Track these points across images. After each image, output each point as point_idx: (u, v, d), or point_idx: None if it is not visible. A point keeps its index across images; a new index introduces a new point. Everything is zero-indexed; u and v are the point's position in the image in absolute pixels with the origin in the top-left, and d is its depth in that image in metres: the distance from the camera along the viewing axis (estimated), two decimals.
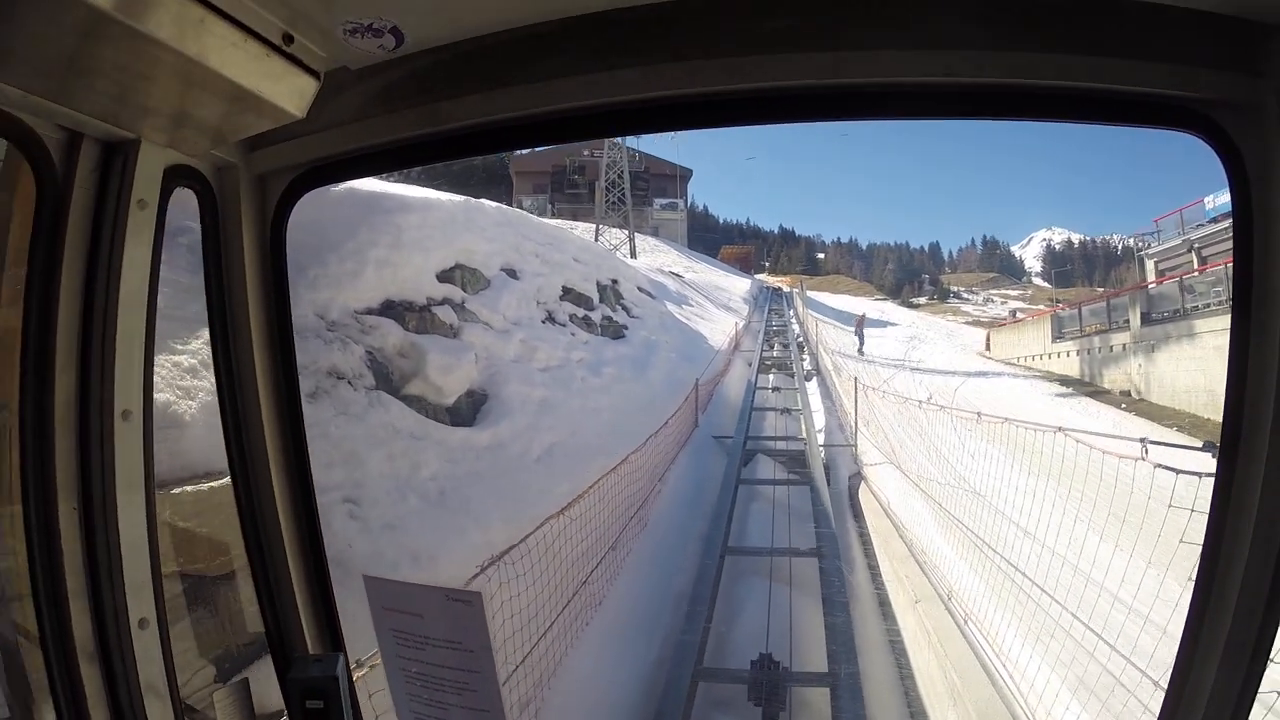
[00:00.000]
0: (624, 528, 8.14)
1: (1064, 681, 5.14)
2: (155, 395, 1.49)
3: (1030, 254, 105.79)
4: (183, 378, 5.40)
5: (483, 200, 12.97)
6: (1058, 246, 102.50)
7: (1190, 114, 1.21)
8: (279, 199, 1.61)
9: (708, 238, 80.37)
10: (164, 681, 1.44)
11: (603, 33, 1.31)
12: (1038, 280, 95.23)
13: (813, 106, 1.36)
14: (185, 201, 1.50)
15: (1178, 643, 1.32)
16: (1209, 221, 25.25)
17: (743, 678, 5.98)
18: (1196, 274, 21.68)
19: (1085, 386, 22.81)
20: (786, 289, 50.08)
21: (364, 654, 2.85)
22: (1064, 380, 24.07)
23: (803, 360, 23.13)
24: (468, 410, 8.80)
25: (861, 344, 30.40)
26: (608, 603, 7.05)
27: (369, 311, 8.30)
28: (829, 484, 10.91)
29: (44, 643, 1.34)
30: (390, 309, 8.60)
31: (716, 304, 32.73)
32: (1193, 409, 17.08)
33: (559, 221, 36.02)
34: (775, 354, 24.76)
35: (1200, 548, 1.29)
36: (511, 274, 11.89)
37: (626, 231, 48.00)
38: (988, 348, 34.30)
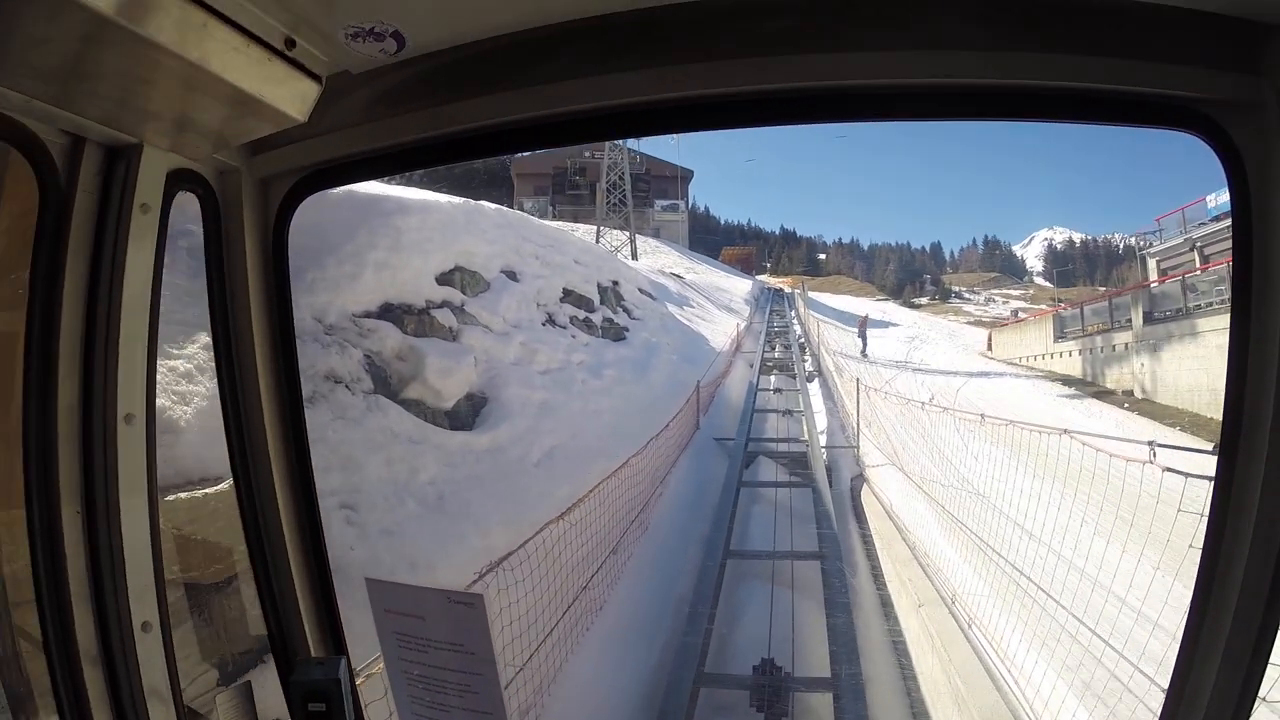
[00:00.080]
0: (625, 531, 8.08)
1: (1070, 687, 5.09)
2: None
3: (1032, 253, 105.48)
4: (178, 383, 5.35)
5: (482, 202, 12.92)
6: (1059, 246, 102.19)
7: (1190, 114, 1.21)
8: (281, 203, 1.63)
9: (709, 239, 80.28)
10: (167, 685, 1.44)
11: (603, 36, 1.31)
12: (1039, 280, 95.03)
13: (813, 108, 1.36)
14: (184, 205, 1.50)
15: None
16: (1211, 220, 25.17)
17: (745, 683, 5.96)
18: (1199, 272, 21.62)
19: (1088, 386, 22.77)
20: (788, 290, 49.99)
21: (359, 663, 2.81)
22: (1066, 380, 24.04)
23: (804, 361, 23.11)
24: (467, 414, 8.75)
25: (865, 346, 30.10)
26: (609, 607, 7.00)
27: (367, 315, 8.25)
28: (831, 486, 10.87)
29: (47, 646, 1.34)
30: (389, 312, 8.55)
31: (718, 305, 32.65)
32: (1195, 408, 17.03)
33: (560, 223, 35.99)
34: (777, 355, 24.74)
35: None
36: (511, 276, 11.83)
37: (628, 233, 47.94)
38: (989, 348, 34.25)
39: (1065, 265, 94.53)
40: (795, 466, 12.16)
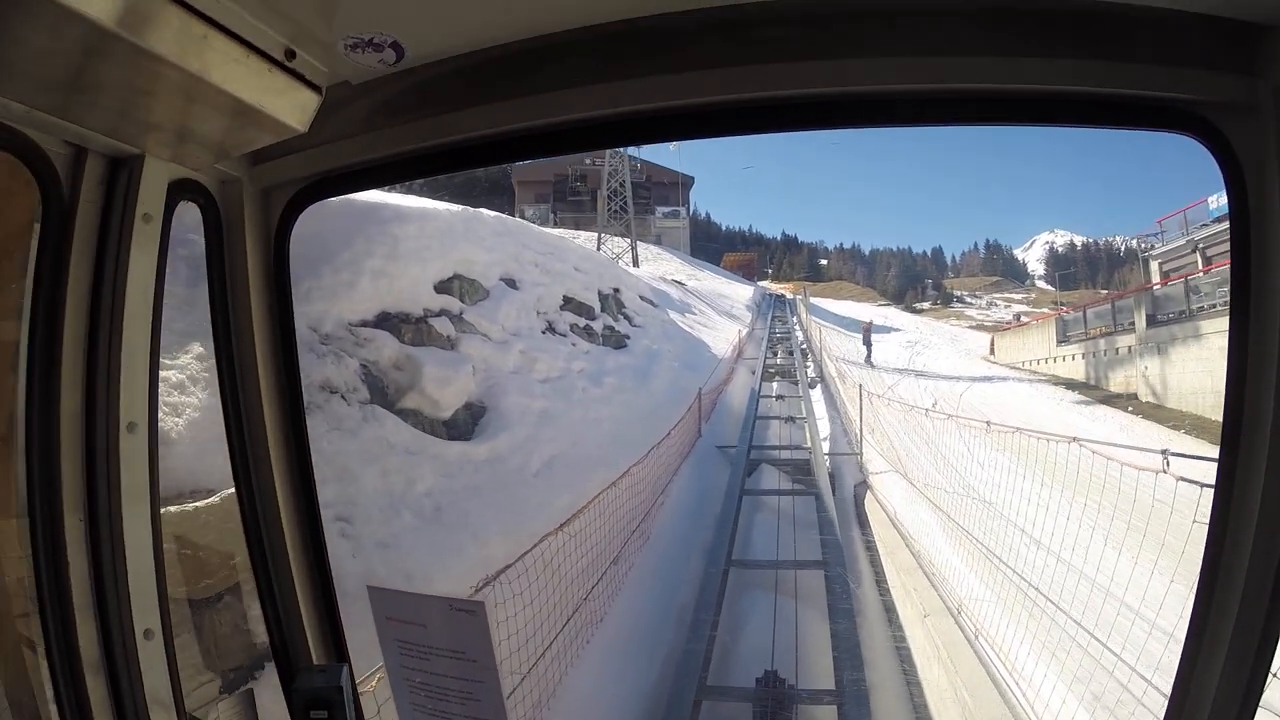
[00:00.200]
0: (626, 541, 8.00)
1: (1081, 700, 4.98)
2: None
3: (1033, 257, 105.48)
4: (170, 394, 5.29)
5: (481, 210, 12.89)
6: (1060, 249, 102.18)
7: (1186, 116, 1.22)
8: (282, 212, 1.64)
9: (710, 246, 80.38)
10: (169, 692, 1.45)
11: (601, 45, 1.32)
12: (1041, 283, 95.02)
13: (813, 114, 1.36)
14: (181, 214, 1.50)
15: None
16: (1213, 221, 25.05)
17: (748, 695, 5.87)
18: (1201, 274, 21.56)
19: (1091, 390, 22.67)
20: (789, 296, 49.97)
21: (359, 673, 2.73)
22: (1069, 384, 23.97)
23: (806, 367, 23.04)
24: (465, 423, 8.67)
25: (870, 353, 29.42)
26: (609, 619, 6.92)
27: (364, 324, 8.18)
28: (834, 493, 10.77)
29: (49, 654, 1.35)
30: (386, 321, 8.49)
31: (719, 312, 32.58)
32: (1199, 411, 16.93)
33: (561, 231, 36.01)
34: (779, 361, 24.67)
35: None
36: (511, 284, 11.78)
37: (629, 240, 47.94)
38: (992, 352, 34.15)
39: (1067, 268, 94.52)
40: (798, 474, 12.10)
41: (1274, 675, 1.29)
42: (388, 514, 6.43)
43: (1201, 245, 25.35)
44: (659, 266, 42.91)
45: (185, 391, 5.47)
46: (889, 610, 7.52)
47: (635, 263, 41.88)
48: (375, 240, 8.93)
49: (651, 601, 7.47)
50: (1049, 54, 1.20)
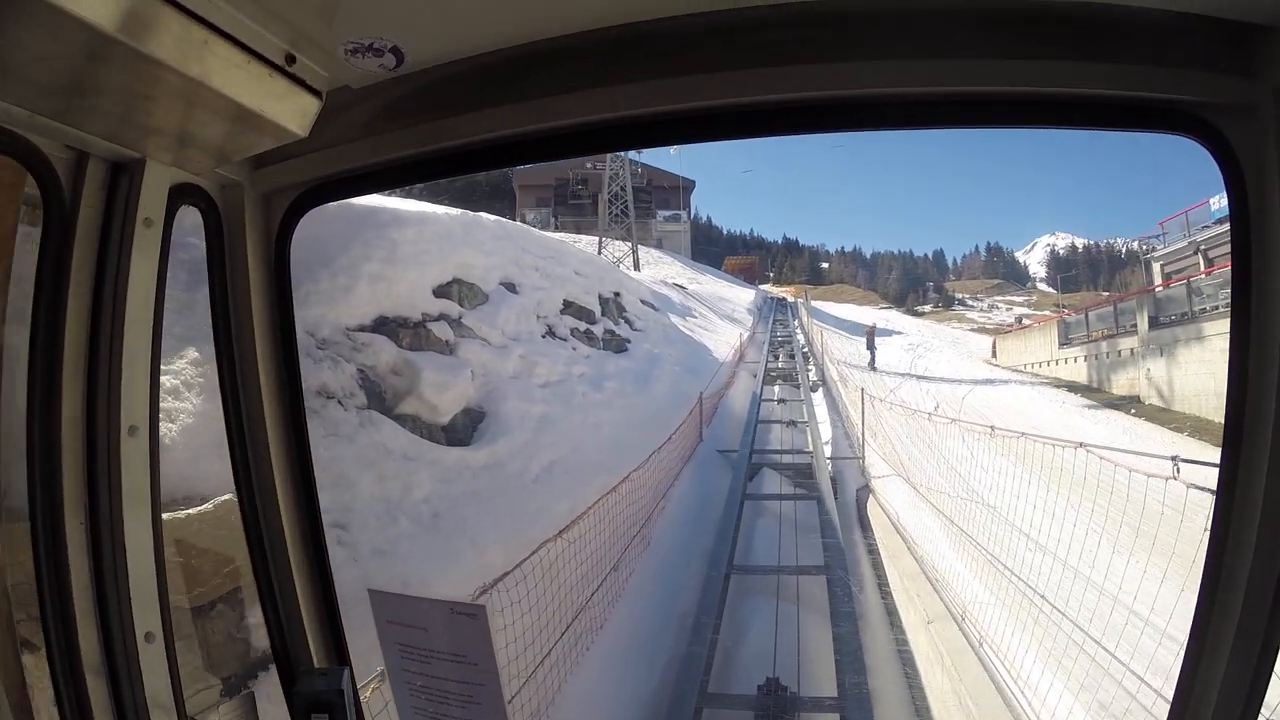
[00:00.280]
0: (626, 547, 7.93)
1: (1088, 710, 4.91)
2: None
3: (1034, 259, 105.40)
4: (164, 399, 5.23)
5: (481, 213, 12.83)
6: (1061, 251, 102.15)
7: (1186, 117, 1.21)
8: (283, 216, 1.65)
9: (711, 249, 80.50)
10: (170, 695, 1.45)
11: (601, 49, 1.32)
12: (1042, 286, 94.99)
13: (813, 118, 1.37)
14: (178, 218, 1.50)
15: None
16: (1214, 223, 25.02)
17: (749, 704, 5.82)
18: (1203, 276, 21.51)
19: (1093, 392, 22.67)
20: (791, 299, 49.96)
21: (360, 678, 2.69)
22: (1071, 386, 23.96)
23: (808, 371, 22.99)
24: (464, 429, 8.60)
25: (874, 358, 28.89)
26: (609, 626, 6.85)
27: (361, 328, 8.12)
28: (836, 498, 10.71)
29: (51, 657, 1.35)
30: (384, 325, 8.42)
31: (721, 315, 32.55)
32: (1203, 413, 16.90)
33: (562, 234, 36.03)
34: (780, 365, 24.67)
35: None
36: (511, 288, 11.72)
37: (630, 243, 47.94)
38: (994, 355, 34.12)
39: (1068, 271, 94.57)
40: (800, 478, 12.05)
41: (1278, 676, 1.28)
42: (384, 521, 6.36)
43: (1203, 247, 25.30)
44: (660, 270, 42.95)
45: (179, 397, 5.42)
46: (891, 616, 7.46)
47: (636, 266, 41.89)
48: (373, 244, 8.87)
49: (652, 608, 7.41)
50: (1048, 56, 1.20)
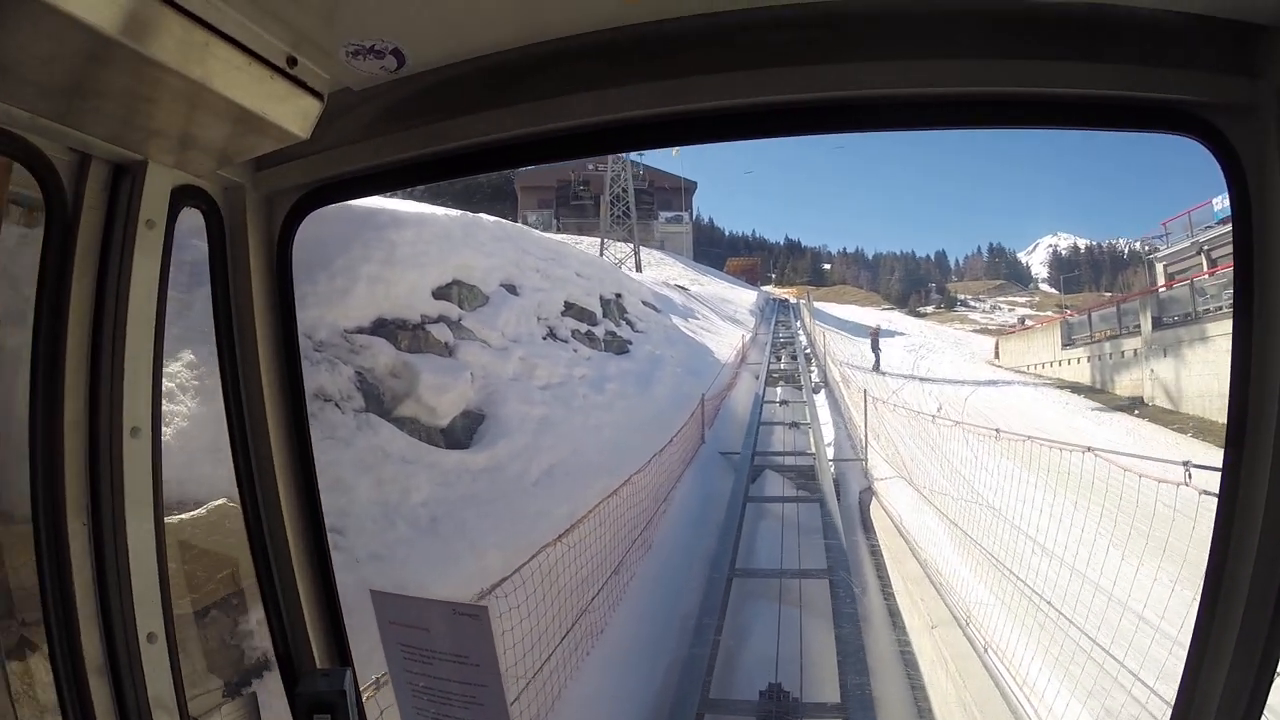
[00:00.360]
0: (627, 551, 7.87)
1: (1095, 717, 4.83)
2: None
3: (1037, 260, 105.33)
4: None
5: (481, 215, 12.78)
6: (1064, 252, 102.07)
7: (1187, 117, 1.22)
8: (285, 218, 1.67)
9: (713, 251, 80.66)
10: (172, 696, 1.46)
11: (602, 51, 1.33)
12: (1045, 286, 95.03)
13: (815, 119, 1.38)
14: (180, 219, 1.50)
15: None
16: (1217, 223, 24.86)
17: (752, 709, 5.78)
18: (1206, 276, 21.41)
19: (1097, 393, 22.59)
20: (793, 300, 49.94)
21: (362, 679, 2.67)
22: (1075, 387, 23.89)
23: (810, 372, 22.94)
24: (463, 431, 8.53)
25: (878, 360, 28.50)
26: (610, 630, 6.79)
27: (359, 330, 8.05)
28: (839, 500, 10.66)
29: (53, 657, 1.36)
30: (382, 327, 8.35)
31: (723, 317, 32.51)
32: (1206, 413, 16.86)
33: (564, 236, 36.03)
34: (783, 366, 24.63)
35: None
36: (511, 290, 11.65)
37: (632, 245, 47.94)
38: (997, 356, 34.02)
39: (1071, 271, 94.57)
40: (802, 480, 12.00)
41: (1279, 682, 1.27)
42: (382, 525, 6.29)
43: (1206, 247, 25.18)
44: (662, 271, 42.98)
45: (175, 400, 5.37)
46: (895, 619, 7.40)
47: (638, 268, 41.93)
48: (372, 246, 8.81)
49: (653, 612, 7.35)
50: (1049, 56, 1.21)
